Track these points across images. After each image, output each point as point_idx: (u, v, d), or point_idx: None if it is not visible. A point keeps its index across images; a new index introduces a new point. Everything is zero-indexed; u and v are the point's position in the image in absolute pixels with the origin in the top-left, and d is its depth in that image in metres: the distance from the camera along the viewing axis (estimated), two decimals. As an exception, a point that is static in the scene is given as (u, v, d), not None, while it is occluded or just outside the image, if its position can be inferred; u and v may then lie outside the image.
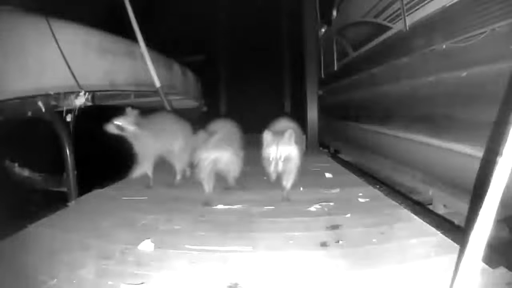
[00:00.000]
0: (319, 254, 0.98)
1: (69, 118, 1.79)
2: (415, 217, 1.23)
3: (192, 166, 1.68)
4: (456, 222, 1.56)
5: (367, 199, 1.50)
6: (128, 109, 1.70)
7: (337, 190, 1.67)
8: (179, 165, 1.87)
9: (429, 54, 1.77)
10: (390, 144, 2.15)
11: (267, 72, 5.80)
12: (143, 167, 1.78)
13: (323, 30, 4.25)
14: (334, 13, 3.73)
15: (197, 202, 1.55)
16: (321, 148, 3.18)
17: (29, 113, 1.87)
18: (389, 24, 2.19)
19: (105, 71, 2.15)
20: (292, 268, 0.91)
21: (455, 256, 0.87)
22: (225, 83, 5.69)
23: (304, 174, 2.14)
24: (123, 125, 1.66)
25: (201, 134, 1.55)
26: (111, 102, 2.46)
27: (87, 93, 1.87)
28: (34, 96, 1.77)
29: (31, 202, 2.06)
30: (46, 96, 1.79)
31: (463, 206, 1.49)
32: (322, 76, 4.31)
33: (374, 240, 1.05)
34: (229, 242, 1.08)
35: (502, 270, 0.81)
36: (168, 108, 2.41)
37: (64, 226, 1.25)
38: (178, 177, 1.89)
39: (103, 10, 2.77)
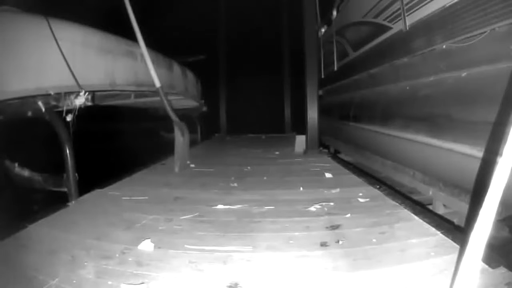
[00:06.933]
0: (319, 254, 0.98)
1: (69, 118, 1.78)
2: (415, 217, 1.23)
3: None
4: (456, 222, 1.56)
5: (367, 199, 1.50)
6: None
7: (337, 190, 1.67)
8: None
9: (429, 54, 1.77)
10: (390, 144, 2.15)
11: (267, 72, 5.81)
12: None
13: (323, 30, 4.26)
14: (334, 13, 3.74)
15: (197, 202, 1.55)
16: (321, 148, 3.18)
17: (29, 113, 1.87)
18: (389, 24, 2.19)
19: (105, 71, 2.14)
20: (292, 268, 0.91)
21: (455, 256, 0.87)
22: (225, 83, 5.68)
23: (304, 174, 2.16)
24: None
25: None
26: (111, 102, 2.46)
27: (87, 93, 1.87)
28: (34, 96, 1.77)
29: (31, 202, 2.07)
30: (46, 96, 1.79)
31: (463, 206, 1.49)
32: (322, 76, 4.32)
33: (374, 240, 1.05)
34: (229, 242, 1.08)
35: (502, 270, 0.81)
36: (168, 108, 2.41)
37: (64, 226, 1.25)
38: None
39: (103, 10, 2.77)
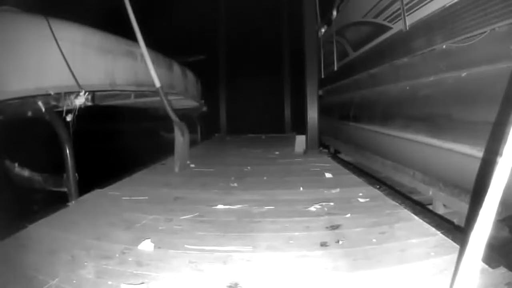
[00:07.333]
0: (319, 254, 0.98)
1: (69, 118, 1.78)
2: (415, 217, 1.23)
3: None
4: (456, 222, 1.56)
5: (367, 199, 1.50)
6: None
7: (337, 190, 1.67)
8: None
9: (429, 54, 1.77)
10: (390, 144, 2.15)
11: (267, 72, 5.81)
12: None
13: (323, 30, 4.26)
14: (334, 13, 3.74)
15: (197, 202, 1.55)
16: (321, 148, 3.19)
17: (29, 113, 1.87)
18: (389, 24, 2.19)
19: (105, 71, 2.15)
20: (292, 268, 0.91)
21: (455, 256, 0.88)
22: (225, 83, 5.68)
23: (304, 174, 2.16)
24: None
25: None
26: (111, 102, 2.46)
27: (87, 93, 1.87)
28: (34, 96, 1.77)
29: (31, 202, 2.07)
30: (46, 96, 1.79)
31: (463, 206, 1.49)
32: (322, 76, 4.32)
33: (374, 240, 1.05)
34: (229, 242, 1.08)
35: (502, 270, 0.81)
36: (168, 108, 2.41)
37: (64, 226, 1.25)
38: None
39: (103, 10, 2.77)
